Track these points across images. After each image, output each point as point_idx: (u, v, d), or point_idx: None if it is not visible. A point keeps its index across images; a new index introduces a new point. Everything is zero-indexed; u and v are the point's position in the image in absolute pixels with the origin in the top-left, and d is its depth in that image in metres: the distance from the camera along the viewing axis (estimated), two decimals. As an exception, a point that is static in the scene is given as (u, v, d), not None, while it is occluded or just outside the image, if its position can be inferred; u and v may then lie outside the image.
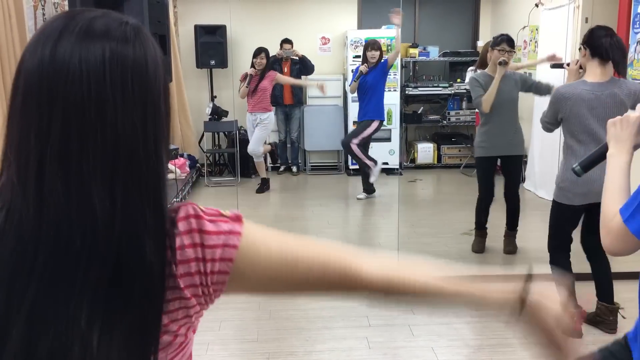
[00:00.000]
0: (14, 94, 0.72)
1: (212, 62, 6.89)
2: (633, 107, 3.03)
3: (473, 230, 4.61)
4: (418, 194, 6.73)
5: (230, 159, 7.15)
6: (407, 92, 7.36)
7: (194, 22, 6.97)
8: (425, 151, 7.38)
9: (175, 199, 5.50)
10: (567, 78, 3.37)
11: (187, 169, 6.56)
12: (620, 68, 3.08)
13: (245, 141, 6.87)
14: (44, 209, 0.69)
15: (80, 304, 0.69)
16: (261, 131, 6.22)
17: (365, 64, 5.70)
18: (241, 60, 6.96)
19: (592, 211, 3.08)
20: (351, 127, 7.07)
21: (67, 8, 3.42)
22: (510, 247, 4.52)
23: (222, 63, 6.90)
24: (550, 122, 3.24)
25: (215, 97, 7.14)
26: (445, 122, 7.49)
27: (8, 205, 0.71)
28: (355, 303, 3.38)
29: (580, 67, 3.32)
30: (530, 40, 6.38)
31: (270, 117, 6.25)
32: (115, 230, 0.70)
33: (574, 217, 3.23)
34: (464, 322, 3.47)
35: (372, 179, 5.94)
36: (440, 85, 7.42)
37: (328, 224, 5.48)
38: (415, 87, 7.40)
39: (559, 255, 3.29)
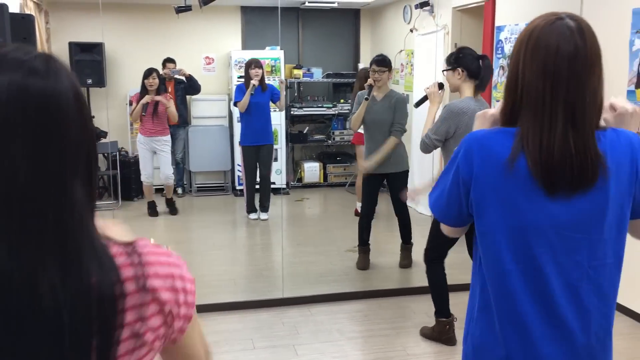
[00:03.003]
0: None
1: (89, 81, 6.58)
2: None
3: (357, 247, 4.73)
4: (305, 212, 6.80)
5: (110, 182, 6.83)
6: (292, 112, 7.46)
7: (68, 39, 6.64)
8: (311, 170, 7.49)
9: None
10: (431, 101, 3.42)
11: (63, 193, 6.17)
12: (483, 87, 3.33)
13: (126, 163, 6.63)
14: None
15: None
16: (169, 154, 6.08)
17: (255, 81, 5.63)
18: (120, 80, 6.72)
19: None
20: (237, 148, 7.03)
21: None
22: (406, 261, 4.66)
23: (100, 82, 6.62)
24: (439, 139, 3.24)
25: (93, 117, 6.81)
26: (330, 141, 7.66)
27: None
28: (240, 326, 3.30)
29: (441, 87, 3.47)
30: (407, 63, 6.70)
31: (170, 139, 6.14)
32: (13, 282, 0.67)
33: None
34: (346, 339, 3.53)
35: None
36: (325, 105, 7.59)
37: (214, 245, 5.39)
38: (300, 108, 7.51)
39: (436, 266, 3.45)
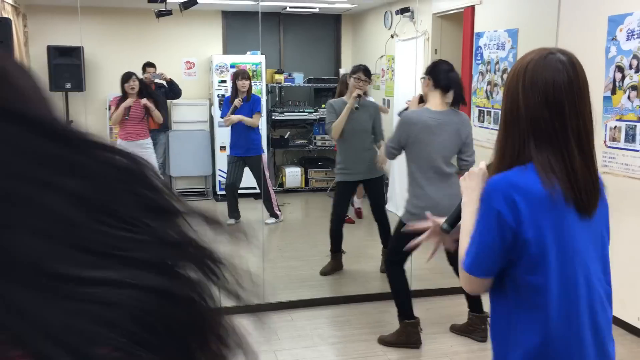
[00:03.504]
0: None
1: (68, 85, 6.51)
2: (465, 136, 3.28)
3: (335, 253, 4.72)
4: (286, 217, 6.78)
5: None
6: (273, 117, 7.45)
7: (46, 43, 6.57)
8: (293, 175, 7.49)
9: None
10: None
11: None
12: (460, 100, 3.35)
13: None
14: None
15: None
16: (151, 158, 6.04)
17: (240, 99, 5.66)
18: (99, 84, 6.66)
19: None
20: (219, 153, 7.01)
21: None
22: None
23: (79, 86, 6.55)
24: (394, 147, 3.38)
25: (72, 122, 6.69)
26: (311, 146, 7.66)
27: None
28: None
29: (421, 101, 3.50)
30: (388, 69, 6.74)
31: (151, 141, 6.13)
32: None
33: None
34: (327, 344, 3.52)
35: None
36: (306, 110, 7.59)
37: (194, 251, 5.34)
38: (282, 112, 7.51)
39: (397, 271, 3.48)
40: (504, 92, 1.42)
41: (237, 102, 5.64)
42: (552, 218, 1.33)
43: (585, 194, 1.34)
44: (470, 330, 3.53)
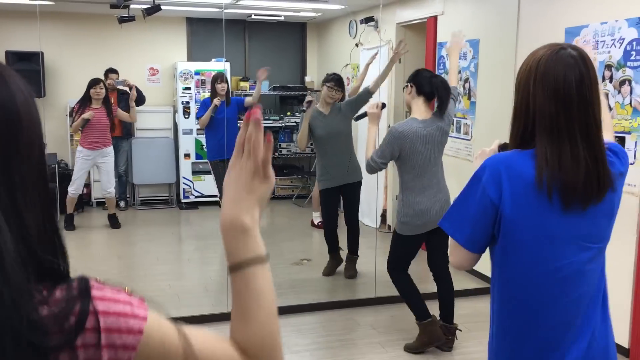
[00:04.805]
0: None
1: (27, 91, 6.37)
2: (448, 130, 3.34)
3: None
4: (251, 225, 6.75)
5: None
6: (239, 124, 7.41)
7: (5, 48, 6.41)
8: (258, 183, 7.45)
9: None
10: (370, 121, 3.39)
11: (-3, 207, 5.92)
12: (444, 105, 3.33)
13: (66, 175, 6.42)
14: None
15: None
16: (111, 165, 6.00)
17: (218, 97, 5.67)
18: (59, 90, 6.53)
19: (432, 235, 3.35)
20: (183, 160, 6.95)
21: None
22: (352, 271, 4.71)
23: (38, 92, 6.41)
24: (385, 162, 3.30)
25: (32, 128, 6.59)
26: (277, 154, 7.64)
27: None
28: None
29: (383, 107, 3.50)
30: (353, 77, 6.78)
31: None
32: None
33: (416, 246, 3.45)
34: (292, 352, 3.51)
35: None
36: (272, 118, 7.58)
37: (157, 260, 5.27)
38: (247, 120, 7.48)
39: (398, 274, 3.47)
40: (515, 86, 1.47)
41: (216, 100, 5.67)
42: (532, 202, 1.38)
43: (583, 187, 1.36)
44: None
